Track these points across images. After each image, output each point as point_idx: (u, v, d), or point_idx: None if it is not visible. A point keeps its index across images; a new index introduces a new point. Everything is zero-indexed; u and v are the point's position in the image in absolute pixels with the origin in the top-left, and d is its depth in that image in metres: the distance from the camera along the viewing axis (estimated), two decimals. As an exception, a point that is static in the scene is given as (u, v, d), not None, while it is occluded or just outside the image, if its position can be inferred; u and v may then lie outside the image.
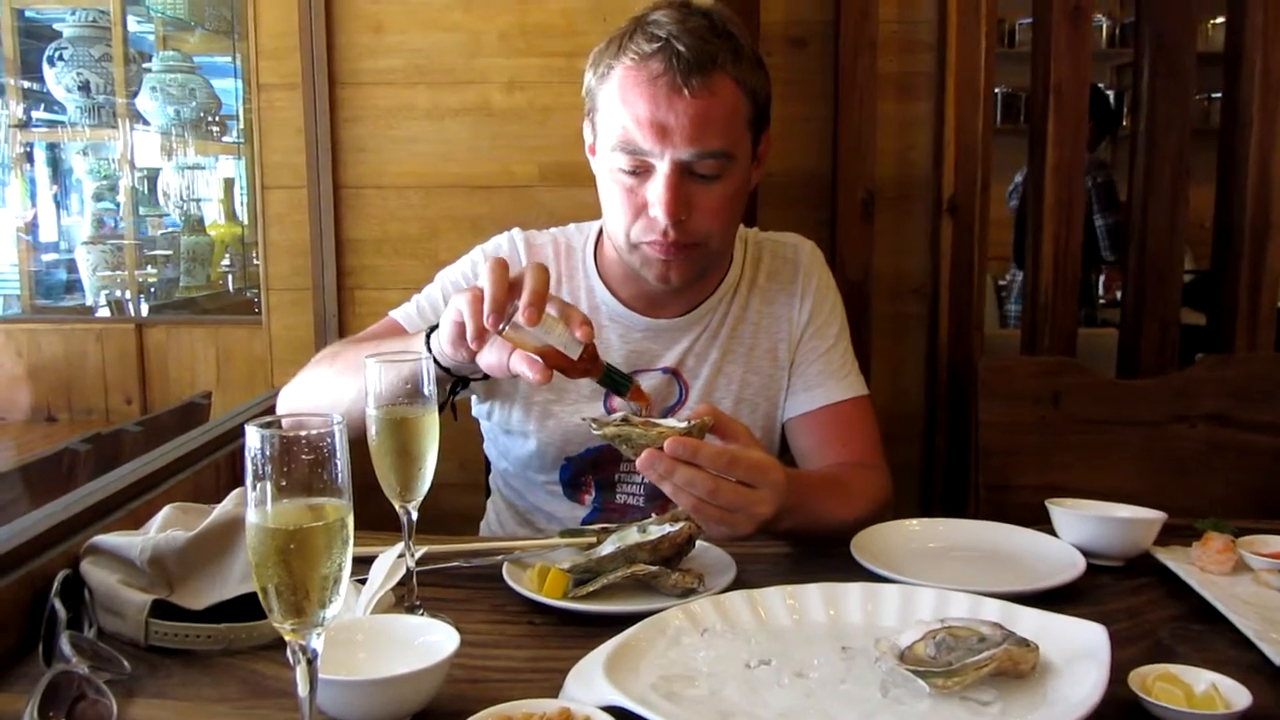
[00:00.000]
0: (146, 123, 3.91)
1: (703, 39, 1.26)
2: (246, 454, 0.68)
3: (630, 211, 1.32)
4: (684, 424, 1.08)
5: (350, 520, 0.70)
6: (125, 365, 3.36)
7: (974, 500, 2.59)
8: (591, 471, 1.47)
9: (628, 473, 1.46)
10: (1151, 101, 2.50)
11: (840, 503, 1.24)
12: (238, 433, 1.72)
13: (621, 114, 1.28)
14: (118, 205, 3.70)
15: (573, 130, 2.11)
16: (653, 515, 1.18)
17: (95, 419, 3.39)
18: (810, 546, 1.25)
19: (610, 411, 1.43)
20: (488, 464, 1.66)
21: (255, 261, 2.96)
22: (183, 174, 4.10)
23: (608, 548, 1.12)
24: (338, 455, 0.69)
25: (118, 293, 3.66)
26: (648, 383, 1.44)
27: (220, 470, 1.49)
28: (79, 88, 3.51)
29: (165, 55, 3.99)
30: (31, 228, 3.88)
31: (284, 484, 0.67)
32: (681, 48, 1.24)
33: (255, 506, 0.67)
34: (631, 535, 1.13)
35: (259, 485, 0.67)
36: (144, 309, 3.78)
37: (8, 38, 3.70)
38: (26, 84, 3.82)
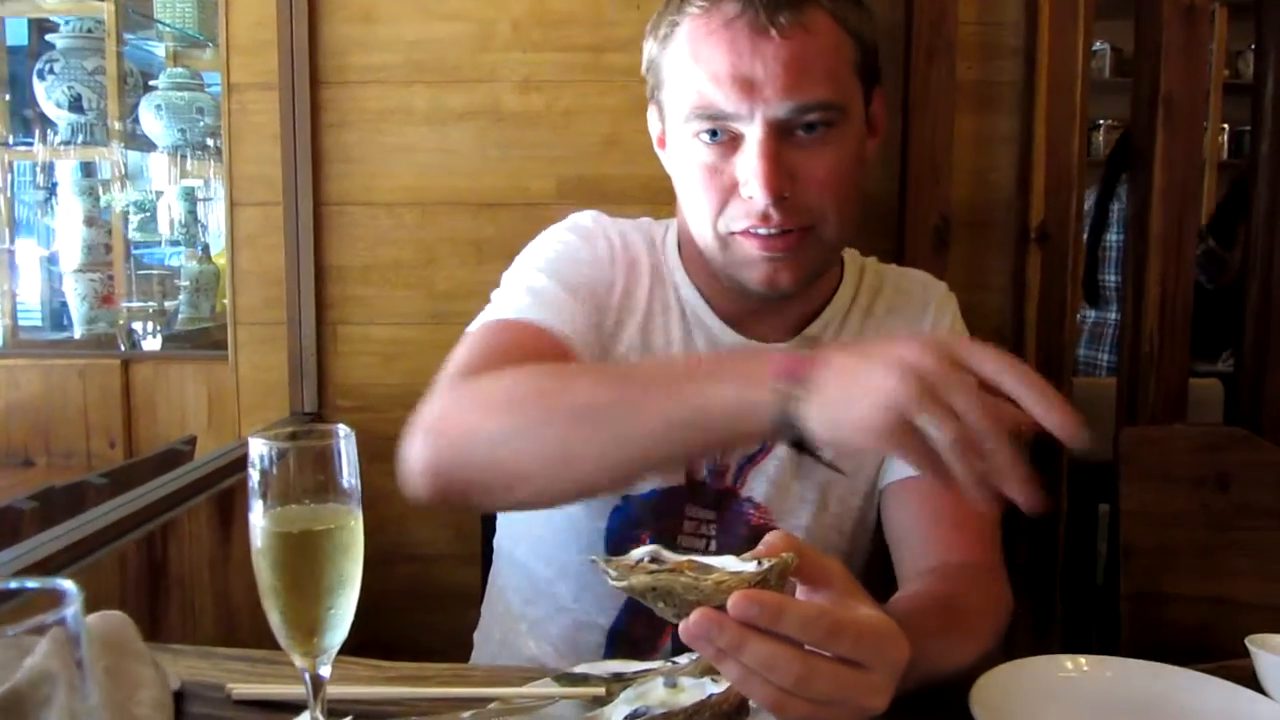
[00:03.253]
0: (150, 143, 3.66)
1: None
2: None
3: (716, 195, 1.02)
4: (752, 564, 0.70)
5: None
6: (109, 404, 3.07)
7: (1060, 585, 2.24)
8: (652, 523, 1.11)
9: (689, 535, 1.11)
10: (1277, 121, 2.14)
11: (962, 642, 0.87)
12: (162, 506, 1.40)
13: (695, 74, 0.99)
14: (110, 231, 3.42)
15: (599, 138, 1.80)
16: (684, 659, 0.83)
17: (76, 463, 3.10)
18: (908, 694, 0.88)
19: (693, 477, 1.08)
20: (485, 531, 1.33)
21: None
22: (187, 198, 3.82)
23: (621, 710, 0.77)
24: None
25: (108, 325, 3.37)
26: None
27: (128, 561, 1.16)
28: (70, 103, 3.24)
29: (173, 72, 3.73)
30: (9, 255, 3.61)
31: None
32: None
33: None
34: (655, 691, 0.78)
35: None
36: (145, 343, 3.49)
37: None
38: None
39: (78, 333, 3.40)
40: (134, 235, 3.49)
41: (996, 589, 1.01)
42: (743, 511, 1.12)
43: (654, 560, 0.71)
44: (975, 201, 2.23)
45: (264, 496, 0.63)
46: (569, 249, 1.13)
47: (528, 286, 1.08)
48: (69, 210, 3.47)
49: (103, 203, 3.43)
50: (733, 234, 1.02)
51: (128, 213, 3.45)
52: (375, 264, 1.80)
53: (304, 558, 0.64)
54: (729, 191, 1.01)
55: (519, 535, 1.22)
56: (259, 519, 0.63)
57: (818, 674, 0.66)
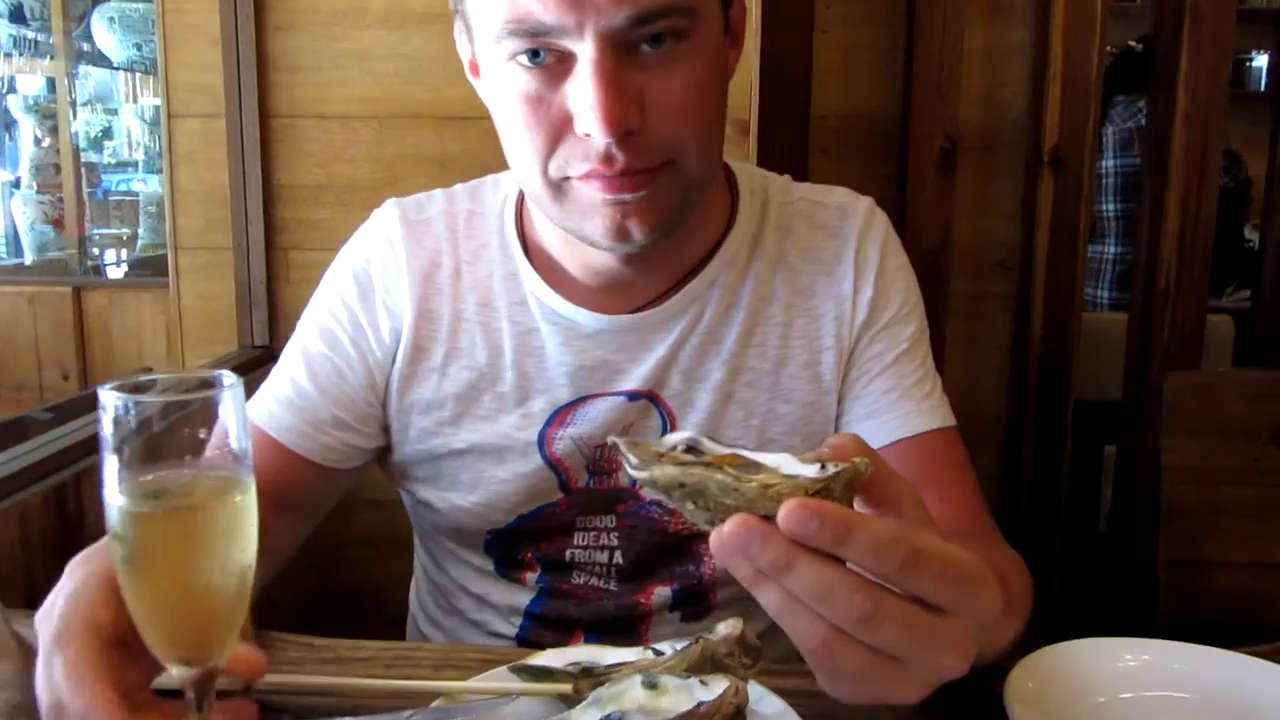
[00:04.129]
0: (106, 59, 3.45)
1: None
2: None
3: (544, 133, 0.80)
4: (813, 468, 0.53)
5: None
6: (61, 334, 2.91)
7: (1061, 527, 2.13)
8: (529, 546, 0.98)
9: (587, 548, 0.97)
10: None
11: (1007, 614, 0.73)
12: (76, 453, 1.25)
13: None
14: (58, 150, 3.23)
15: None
16: (666, 647, 0.69)
17: (28, 396, 2.95)
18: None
19: (548, 437, 0.95)
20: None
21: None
22: (145, 117, 3.62)
23: (591, 714, 0.64)
24: None
25: (60, 251, 3.20)
26: (601, 414, 0.94)
27: (30, 517, 1.01)
28: (11, 12, 3.03)
29: (126, -19, 3.51)
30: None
31: None
32: None
33: None
34: (632, 692, 0.65)
35: None
36: (110, 271, 3.32)
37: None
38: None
39: (28, 259, 3.23)
40: (97, 158, 3.30)
41: (1012, 555, 0.87)
42: (648, 515, 0.96)
43: (691, 450, 0.56)
44: (984, 121, 2.09)
45: (120, 461, 0.49)
46: (331, 327, 0.98)
47: (282, 387, 0.97)
48: (16, 128, 3.29)
49: (55, 121, 3.23)
50: (568, 179, 0.82)
51: (76, 131, 3.25)
52: (329, 183, 1.64)
53: (174, 544, 0.49)
54: (560, 128, 0.80)
55: (423, 550, 1.11)
56: (114, 494, 0.49)
57: (886, 613, 0.50)
